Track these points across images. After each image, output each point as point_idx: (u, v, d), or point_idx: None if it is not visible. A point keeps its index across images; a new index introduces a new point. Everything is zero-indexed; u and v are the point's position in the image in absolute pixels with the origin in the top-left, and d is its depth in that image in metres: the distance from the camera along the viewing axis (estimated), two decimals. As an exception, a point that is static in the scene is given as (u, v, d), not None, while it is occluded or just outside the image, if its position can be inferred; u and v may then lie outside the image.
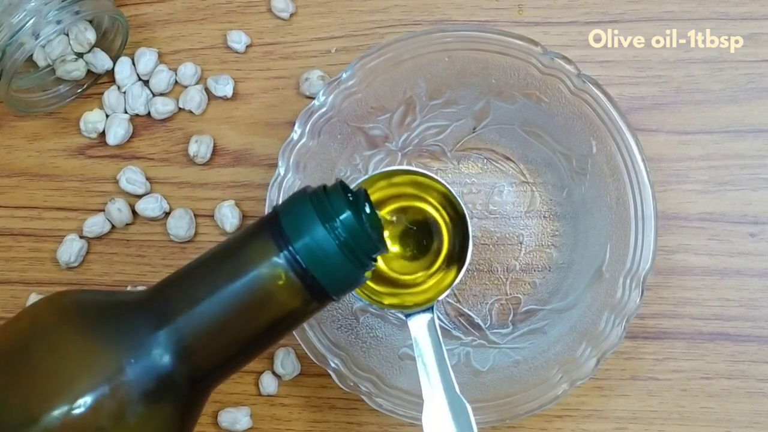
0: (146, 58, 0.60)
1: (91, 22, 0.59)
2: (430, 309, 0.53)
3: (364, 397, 0.55)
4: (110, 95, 0.60)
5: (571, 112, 0.54)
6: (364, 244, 0.44)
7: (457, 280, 0.53)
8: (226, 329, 0.44)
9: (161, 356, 0.43)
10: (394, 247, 0.55)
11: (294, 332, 0.55)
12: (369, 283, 0.54)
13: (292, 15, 0.60)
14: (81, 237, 0.60)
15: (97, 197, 0.61)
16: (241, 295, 0.43)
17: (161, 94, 0.60)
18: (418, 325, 0.52)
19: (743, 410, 0.57)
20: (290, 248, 0.43)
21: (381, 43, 0.55)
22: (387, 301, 0.54)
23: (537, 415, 0.54)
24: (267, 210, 0.55)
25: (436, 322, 0.52)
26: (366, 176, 0.54)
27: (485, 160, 0.58)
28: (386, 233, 0.54)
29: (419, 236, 0.55)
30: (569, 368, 0.54)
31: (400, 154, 0.58)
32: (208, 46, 0.61)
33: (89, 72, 0.60)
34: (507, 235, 0.58)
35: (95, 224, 0.60)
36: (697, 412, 0.58)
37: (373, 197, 0.54)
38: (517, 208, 0.58)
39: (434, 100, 0.57)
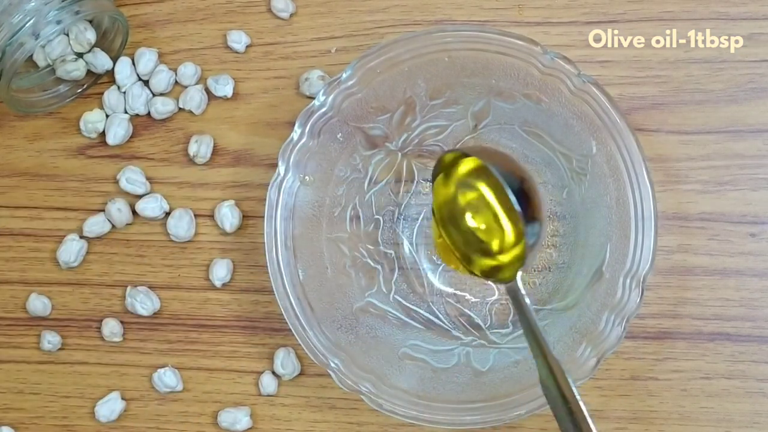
0: (146, 58, 0.60)
1: (91, 22, 0.59)
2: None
3: (364, 397, 0.55)
4: (110, 95, 0.60)
5: (571, 112, 0.54)
6: None
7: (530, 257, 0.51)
8: None
9: None
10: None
11: (294, 332, 0.55)
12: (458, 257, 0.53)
13: (292, 15, 0.60)
14: (81, 237, 0.60)
15: (97, 197, 0.61)
16: None
17: (161, 94, 0.60)
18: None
19: (743, 410, 0.57)
20: None
21: (381, 43, 0.55)
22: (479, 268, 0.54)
23: (537, 415, 0.54)
24: (266, 210, 0.55)
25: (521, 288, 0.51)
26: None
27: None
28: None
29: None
30: (569, 368, 0.54)
31: (400, 154, 0.58)
32: (208, 46, 0.61)
33: (89, 72, 0.60)
34: (507, 235, 0.58)
35: (95, 224, 0.60)
36: (697, 412, 0.58)
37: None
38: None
39: (434, 100, 0.57)
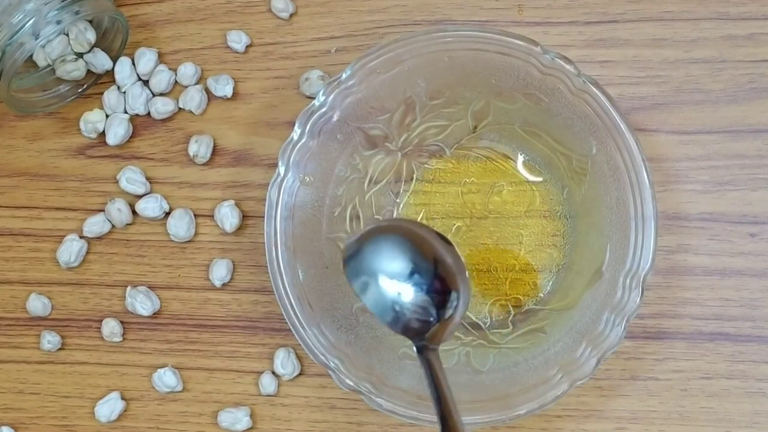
0: (146, 58, 0.60)
1: (91, 22, 0.59)
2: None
3: (363, 398, 0.55)
4: (110, 95, 0.60)
5: (571, 112, 0.54)
6: None
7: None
8: None
9: None
10: None
11: (294, 332, 0.55)
12: None
13: (292, 15, 0.60)
14: (81, 237, 0.60)
15: (97, 197, 0.61)
16: None
17: (161, 94, 0.60)
18: None
19: (743, 410, 0.57)
20: None
21: (381, 43, 0.55)
22: None
23: (537, 415, 0.54)
24: (266, 210, 0.55)
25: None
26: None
27: (485, 160, 0.58)
28: None
29: None
30: (569, 368, 0.54)
31: (400, 154, 0.58)
32: (208, 46, 0.61)
33: (89, 72, 0.60)
34: (507, 235, 0.58)
35: (95, 224, 0.60)
36: (697, 412, 0.58)
37: None
38: (517, 207, 0.58)
39: (434, 100, 0.57)
